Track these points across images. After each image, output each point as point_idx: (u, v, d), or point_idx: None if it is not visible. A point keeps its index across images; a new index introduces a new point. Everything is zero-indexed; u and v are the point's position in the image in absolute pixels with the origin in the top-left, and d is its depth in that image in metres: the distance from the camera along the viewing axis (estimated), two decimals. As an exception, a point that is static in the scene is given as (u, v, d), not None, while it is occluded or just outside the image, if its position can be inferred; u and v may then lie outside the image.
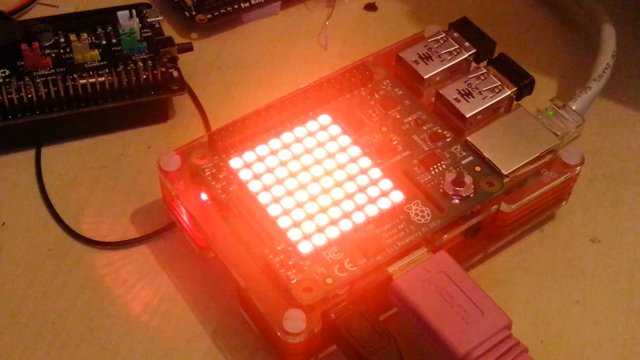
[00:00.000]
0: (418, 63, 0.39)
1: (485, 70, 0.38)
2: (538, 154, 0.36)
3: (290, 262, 0.34)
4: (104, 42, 0.41)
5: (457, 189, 0.35)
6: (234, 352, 0.35)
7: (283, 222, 0.34)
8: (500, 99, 0.38)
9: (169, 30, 0.45)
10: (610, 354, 0.36)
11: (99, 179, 0.40)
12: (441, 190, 0.36)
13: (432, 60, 0.39)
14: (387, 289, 0.34)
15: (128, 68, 0.40)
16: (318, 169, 0.36)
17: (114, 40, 0.41)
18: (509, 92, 0.38)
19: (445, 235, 0.35)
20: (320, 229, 0.34)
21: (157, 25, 0.42)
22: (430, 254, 0.34)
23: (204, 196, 0.36)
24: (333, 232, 0.34)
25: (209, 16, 0.45)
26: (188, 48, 0.42)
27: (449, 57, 0.39)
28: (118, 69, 0.40)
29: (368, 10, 0.47)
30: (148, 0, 0.44)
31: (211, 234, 0.35)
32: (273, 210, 0.35)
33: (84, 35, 0.40)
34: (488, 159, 0.36)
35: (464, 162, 0.37)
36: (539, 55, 0.45)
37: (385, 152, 0.37)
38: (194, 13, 0.45)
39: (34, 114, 0.39)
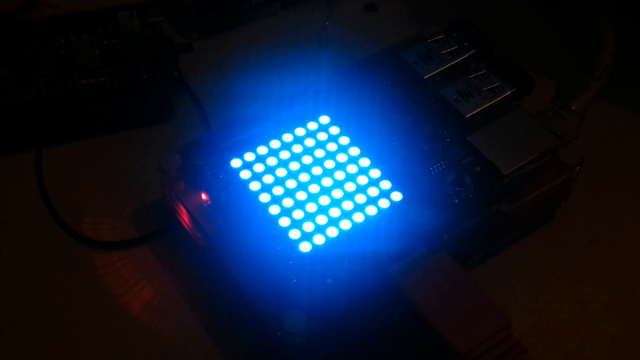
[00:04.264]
0: (418, 63, 0.39)
1: (485, 71, 0.38)
2: (538, 154, 0.36)
3: (290, 262, 0.34)
4: (104, 42, 0.41)
5: (457, 189, 0.35)
6: (234, 352, 0.35)
7: (283, 222, 0.34)
8: (500, 99, 0.38)
9: (169, 30, 0.45)
10: (610, 354, 0.36)
11: (99, 179, 0.40)
12: (441, 190, 0.36)
13: (432, 60, 0.39)
14: (387, 289, 0.34)
15: (128, 68, 0.40)
16: (318, 169, 0.36)
17: (114, 41, 0.41)
18: (508, 92, 0.38)
19: (445, 235, 0.35)
20: (320, 229, 0.34)
21: (157, 26, 0.42)
22: (430, 254, 0.34)
23: (203, 196, 0.36)
24: (333, 232, 0.34)
25: (209, 16, 0.45)
26: (188, 48, 0.42)
27: (449, 57, 0.39)
28: (118, 69, 0.40)
29: (368, 11, 0.47)
30: (148, 0, 0.44)
31: (211, 234, 0.35)
32: (273, 210, 0.35)
33: (85, 36, 0.40)
34: (488, 159, 0.36)
35: (464, 162, 0.37)
36: (539, 55, 0.45)
37: (385, 152, 0.37)
38: (194, 13, 0.45)
39: (35, 114, 0.39)
